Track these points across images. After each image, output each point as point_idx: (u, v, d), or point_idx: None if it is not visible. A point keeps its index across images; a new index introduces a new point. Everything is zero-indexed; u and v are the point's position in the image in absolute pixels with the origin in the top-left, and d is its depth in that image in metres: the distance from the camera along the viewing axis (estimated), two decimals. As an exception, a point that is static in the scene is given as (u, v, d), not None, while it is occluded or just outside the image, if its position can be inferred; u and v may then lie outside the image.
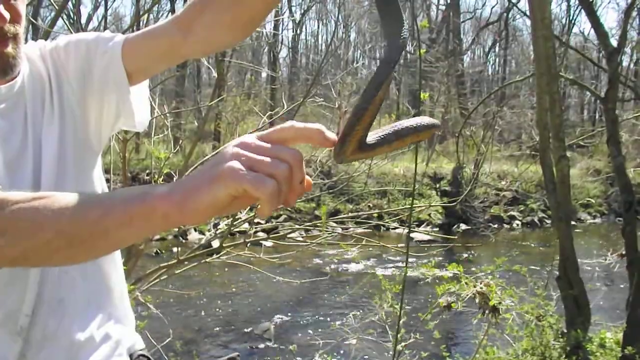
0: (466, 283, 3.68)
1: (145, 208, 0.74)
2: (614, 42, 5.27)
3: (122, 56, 1.16)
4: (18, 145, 1.12)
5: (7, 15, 1.08)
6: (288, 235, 5.30)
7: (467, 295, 3.56)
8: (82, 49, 1.19)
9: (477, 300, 3.64)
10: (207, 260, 4.55)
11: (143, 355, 1.31)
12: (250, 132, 0.79)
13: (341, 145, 0.77)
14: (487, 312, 3.62)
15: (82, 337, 1.16)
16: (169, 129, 4.77)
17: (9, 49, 1.10)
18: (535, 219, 17.76)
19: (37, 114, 1.16)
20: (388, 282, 4.11)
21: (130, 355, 1.29)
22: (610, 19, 59.92)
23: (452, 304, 3.64)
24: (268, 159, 0.70)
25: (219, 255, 4.52)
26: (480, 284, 3.67)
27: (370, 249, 9.85)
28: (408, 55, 30.17)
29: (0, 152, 1.08)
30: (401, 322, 3.40)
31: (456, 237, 10.61)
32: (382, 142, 0.80)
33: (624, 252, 5.01)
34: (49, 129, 1.16)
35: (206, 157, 5.58)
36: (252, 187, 0.68)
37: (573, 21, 33.53)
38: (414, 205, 3.42)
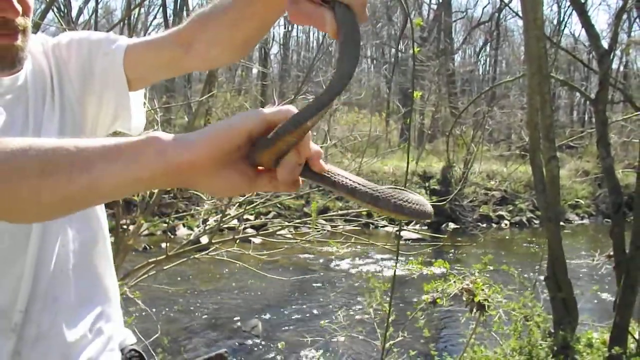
0: (453, 281, 3.69)
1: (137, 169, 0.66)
2: (604, 44, 5.29)
3: (123, 62, 1.17)
4: None
5: (19, 8, 1.08)
6: (277, 232, 5.30)
7: (453, 291, 3.56)
8: (85, 48, 1.20)
9: (464, 298, 3.65)
10: (197, 256, 4.53)
11: (134, 350, 1.33)
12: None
13: (253, 146, 0.70)
14: (473, 309, 3.63)
15: (76, 335, 1.17)
16: (159, 124, 4.74)
17: (19, 42, 1.10)
18: (524, 219, 17.84)
19: (38, 110, 1.16)
20: (377, 281, 4.11)
21: (122, 350, 1.30)
22: (601, 20, 60.25)
23: (438, 300, 3.65)
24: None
25: (208, 252, 4.52)
26: (467, 281, 3.68)
27: (359, 246, 9.87)
28: (399, 53, 30.21)
29: None
30: (390, 320, 3.40)
31: (445, 236, 10.63)
32: (328, 182, 0.74)
33: (611, 253, 5.03)
34: (49, 125, 1.16)
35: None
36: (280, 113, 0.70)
37: (565, 23, 33.72)
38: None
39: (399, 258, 3.31)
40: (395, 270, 2.95)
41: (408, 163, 2.90)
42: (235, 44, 1.11)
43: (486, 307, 3.57)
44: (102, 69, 1.19)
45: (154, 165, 0.65)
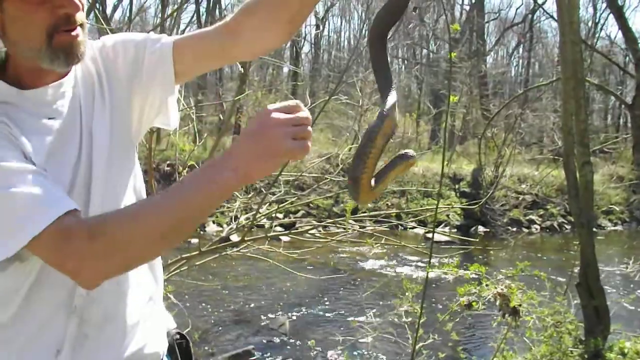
0: (487, 285, 3.67)
1: (220, 190, 0.99)
2: (643, 48, 5.21)
3: (172, 58, 1.23)
4: (75, 139, 1.17)
5: (79, 4, 1.14)
6: (308, 231, 5.32)
7: (488, 296, 3.55)
8: (131, 49, 1.25)
9: (497, 302, 3.63)
10: (228, 252, 4.58)
11: (178, 333, 1.41)
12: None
13: (354, 189, 1.02)
14: (507, 314, 3.61)
15: (135, 318, 1.23)
16: (194, 122, 4.79)
17: (81, 37, 1.15)
18: (555, 224, 17.56)
19: (88, 114, 1.20)
20: (409, 282, 4.11)
21: (167, 333, 1.37)
22: (638, 22, 58.92)
23: (473, 303, 3.63)
24: (302, 127, 0.98)
25: (239, 249, 4.56)
26: (501, 285, 3.66)
27: (387, 248, 9.85)
28: (430, 54, 30.02)
29: (51, 144, 1.12)
30: (420, 321, 3.40)
31: (476, 239, 10.54)
32: (382, 178, 1.05)
33: (646, 261, 4.96)
34: (100, 123, 1.20)
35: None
36: (302, 154, 0.98)
37: (601, 25, 33.14)
38: (438, 206, 3.42)
39: (431, 260, 3.31)
40: (428, 272, 2.96)
41: (443, 167, 2.90)
42: (282, 24, 1.18)
43: (520, 312, 3.55)
44: (149, 68, 1.23)
45: (227, 195, 1.03)
